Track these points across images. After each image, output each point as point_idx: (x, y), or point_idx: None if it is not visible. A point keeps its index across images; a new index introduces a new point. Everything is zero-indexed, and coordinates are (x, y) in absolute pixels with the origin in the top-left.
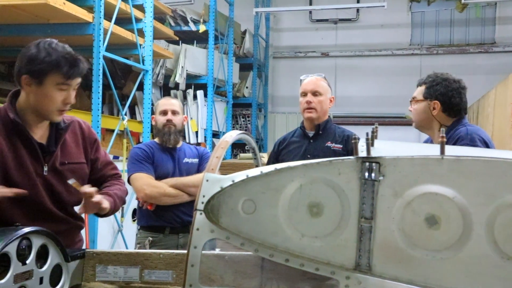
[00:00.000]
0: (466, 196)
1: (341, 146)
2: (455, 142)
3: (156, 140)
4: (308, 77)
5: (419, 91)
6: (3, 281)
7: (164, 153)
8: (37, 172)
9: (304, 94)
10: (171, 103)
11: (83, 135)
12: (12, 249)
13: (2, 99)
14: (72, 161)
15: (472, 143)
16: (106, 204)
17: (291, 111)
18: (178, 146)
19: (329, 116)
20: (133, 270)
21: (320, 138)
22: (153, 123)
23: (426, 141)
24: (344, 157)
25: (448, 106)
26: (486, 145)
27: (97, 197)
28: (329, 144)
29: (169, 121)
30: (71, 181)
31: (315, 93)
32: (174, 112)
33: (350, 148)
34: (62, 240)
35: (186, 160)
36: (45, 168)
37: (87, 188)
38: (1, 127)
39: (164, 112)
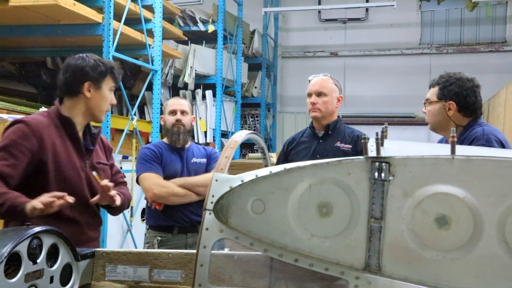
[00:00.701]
0: (476, 196)
1: (351, 146)
2: (471, 142)
3: (165, 140)
4: (315, 77)
5: (432, 93)
6: (14, 280)
7: (173, 153)
8: (81, 167)
9: (310, 94)
10: (180, 103)
11: (103, 143)
12: (23, 248)
13: (13, 99)
14: (102, 162)
15: (488, 143)
16: (118, 200)
17: (299, 111)
18: (187, 146)
19: (338, 116)
20: (143, 270)
21: (330, 138)
22: (162, 123)
23: (440, 141)
24: (353, 157)
25: (463, 106)
26: (502, 145)
27: (113, 192)
28: (338, 144)
29: (178, 121)
30: (94, 173)
31: (319, 94)
32: (183, 112)
33: (360, 149)
34: (93, 232)
35: (194, 160)
36: (87, 164)
37: (106, 182)
38: (52, 125)
39: (173, 112)
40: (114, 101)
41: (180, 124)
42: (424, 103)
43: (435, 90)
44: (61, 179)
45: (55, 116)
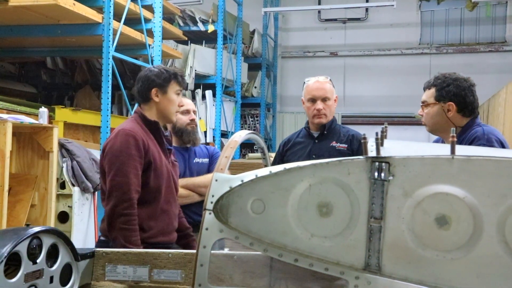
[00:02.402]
0: (476, 196)
1: (346, 145)
2: (471, 142)
3: None
4: (313, 80)
5: (429, 95)
6: (14, 280)
7: (176, 153)
8: (166, 164)
9: (313, 100)
10: (191, 103)
11: None
12: (22, 248)
13: (13, 99)
14: (175, 160)
15: (489, 143)
16: None
17: (299, 111)
18: (188, 146)
19: (333, 116)
20: (142, 270)
21: (325, 138)
22: None
23: (436, 141)
24: (353, 156)
25: (463, 106)
26: (502, 145)
27: None
28: (334, 144)
29: (192, 120)
30: None
31: (324, 99)
32: (194, 112)
33: (355, 148)
34: (176, 223)
35: (196, 160)
36: (169, 161)
37: None
38: (143, 130)
39: (187, 112)
40: (182, 103)
41: (194, 123)
42: (422, 106)
43: (431, 92)
44: (158, 175)
45: (142, 122)
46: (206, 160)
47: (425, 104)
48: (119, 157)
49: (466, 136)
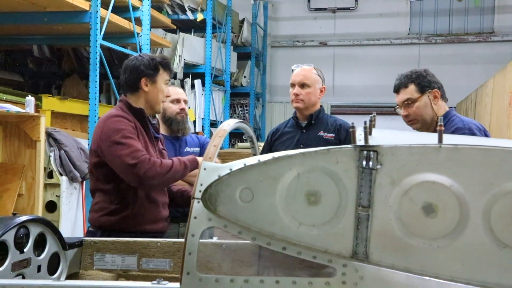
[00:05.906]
0: (463, 185)
1: (334, 135)
2: (452, 133)
3: None
4: (298, 68)
5: (410, 91)
6: (0, 269)
7: (166, 142)
8: (154, 152)
9: (293, 85)
10: (181, 92)
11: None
12: (9, 237)
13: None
14: (163, 148)
15: (471, 132)
16: None
17: (289, 101)
18: (179, 135)
19: (321, 106)
20: (131, 259)
21: (313, 128)
22: None
23: None
24: (341, 145)
25: (443, 91)
26: (485, 133)
27: None
28: (321, 133)
29: (182, 110)
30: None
31: (302, 85)
32: (185, 101)
33: (342, 137)
34: (165, 211)
35: (187, 149)
36: (156, 149)
37: None
38: (128, 118)
39: (178, 101)
40: (169, 93)
41: (184, 113)
42: (408, 103)
43: (411, 88)
44: None
45: (128, 110)
46: (197, 149)
47: (411, 101)
48: (116, 133)
49: (445, 127)
